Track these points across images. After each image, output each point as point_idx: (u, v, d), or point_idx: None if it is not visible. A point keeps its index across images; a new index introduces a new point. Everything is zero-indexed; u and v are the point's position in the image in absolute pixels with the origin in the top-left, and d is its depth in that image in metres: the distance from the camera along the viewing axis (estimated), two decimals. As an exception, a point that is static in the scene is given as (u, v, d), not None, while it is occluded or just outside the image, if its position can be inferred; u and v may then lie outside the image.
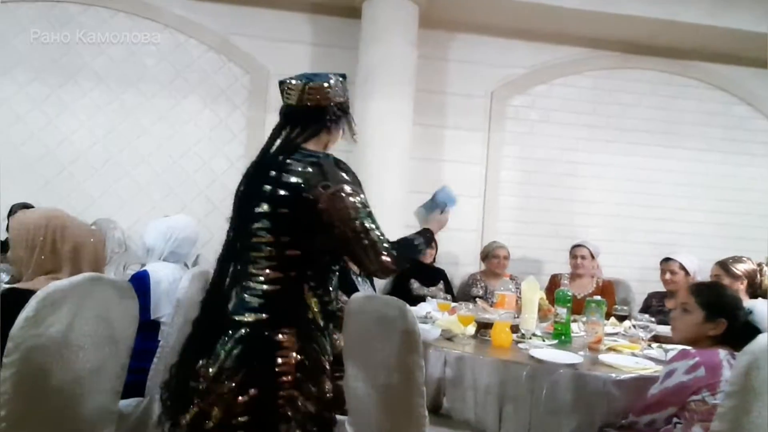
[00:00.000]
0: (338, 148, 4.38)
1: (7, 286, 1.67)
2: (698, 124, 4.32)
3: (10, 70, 3.60)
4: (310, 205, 1.23)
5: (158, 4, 3.73)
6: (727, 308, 1.61)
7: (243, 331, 1.23)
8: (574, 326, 2.31)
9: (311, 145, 1.35)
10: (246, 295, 1.26)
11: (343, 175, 1.29)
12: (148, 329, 1.92)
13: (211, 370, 1.22)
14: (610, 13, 3.74)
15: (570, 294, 2.20)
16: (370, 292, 2.87)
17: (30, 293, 1.29)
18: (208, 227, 3.75)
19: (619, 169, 4.23)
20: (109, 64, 3.71)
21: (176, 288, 1.99)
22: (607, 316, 2.36)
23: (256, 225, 1.27)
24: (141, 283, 1.97)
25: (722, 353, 1.50)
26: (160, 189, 3.75)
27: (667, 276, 2.93)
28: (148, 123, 3.75)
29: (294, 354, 1.22)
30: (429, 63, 3.94)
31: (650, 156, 4.25)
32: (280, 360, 1.20)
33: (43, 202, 3.28)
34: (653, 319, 2.22)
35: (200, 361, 1.25)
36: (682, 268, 2.89)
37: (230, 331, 1.24)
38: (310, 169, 1.26)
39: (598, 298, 2.23)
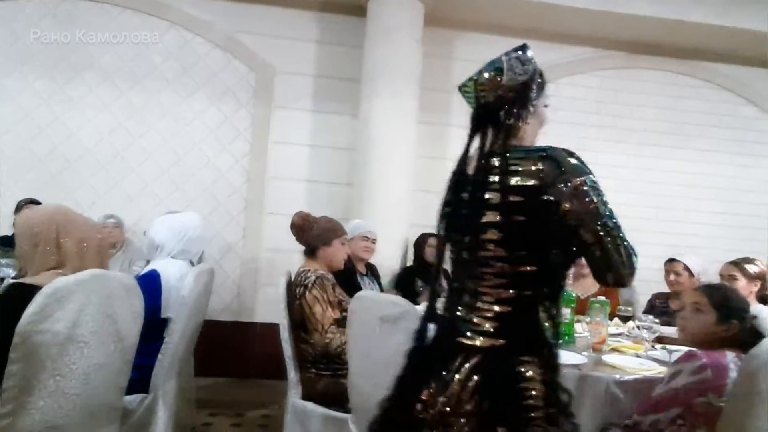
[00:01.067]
0: (341, 146, 4.38)
1: (13, 280, 1.68)
2: (705, 125, 4.30)
3: (19, 67, 3.62)
4: (552, 208, 1.05)
5: (166, 1, 3.74)
6: (740, 310, 1.60)
7: (477, 358, 1.08)
8: (577, 327, 2.30)
9: (518, 143, 1.20)
10: (475, 317, 1.11)
11: (581, 165, 1.09)
12: (153, 326, 1.92)
13: (442, 400, 1.08)
14: (617, 12, 3.72)
15: (574, 294, 2.20)
16: (374, 292, 2.87)
17: (34, 288, 1.30)
18: (213, 224, 3.77)
19: (624, 169, 4.21)
20: (115, 61, 3.72)
21: (182, 285, 2.00)
22: (611, 316, 2.35)
23: (483, 237, 1.11)
24: (153, 282, 1.96)
25: (729, 356, 1.49)
26: (165, 186, 3.76)
27: (672, 277, 2.92)
28: (154, 120, 3.77)
29: (540, 387, 1.05)
30: (434, 61, 3.94)
31: (656, 157, 4.24)
32: (527, 393, 1.04)
33: (49, 197, 3.30)
34: (657, 320, 2.21)
35: (424, 390, 1.11)
36: (687, 269, 2.87)
37: (461, 358, 1.09)
38: (542, 166, 1.07)
39: (602, 298, 2.22)
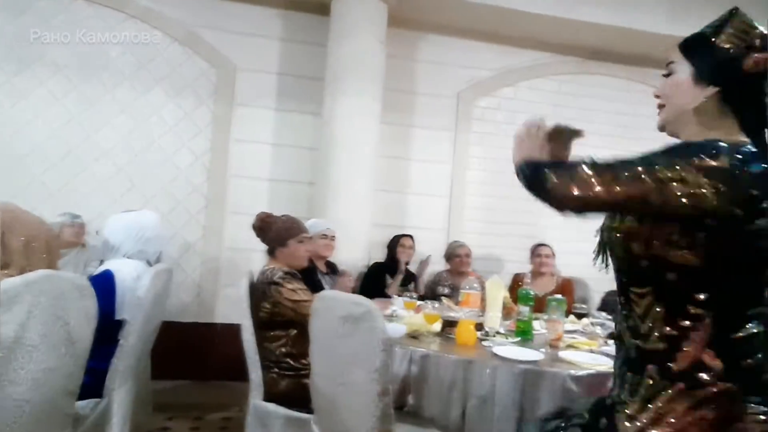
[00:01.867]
0: (303, 144, 4.33)
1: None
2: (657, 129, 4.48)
3: (-39, 57, 3.43)
4: None
5: (121, -7, 3.62)
6: None
7: None
8: (535, 324, 2.36)
9: None
10: None
11: None
12: (107, 328, 1.86)
13: None
14: (571, 18, 3.84)
15: (532, 293, 2.26)
16: (337, 291, 2.87)
17: (-18, 291, 1.24)
18: (172, 223, 3.68)
19: (580, 171, 4.33)
20: (68, 53, 3.57)
21: (138, 285, 1.95)
22: (567, 313, 2.42)
23: None
24: (106, 282, 1.90)
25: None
26: (121, 183, 3.64)
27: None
28: (110, 115, 3.64)
29: None
30: (397, 62, 3.96)
31: (611, 159, 4.39)
32: None
33: (-5, 195, 3.15)
34: (610, 317, 2.30)
35: None
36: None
37: None
38: None
39: (559, 296, 2.29)
